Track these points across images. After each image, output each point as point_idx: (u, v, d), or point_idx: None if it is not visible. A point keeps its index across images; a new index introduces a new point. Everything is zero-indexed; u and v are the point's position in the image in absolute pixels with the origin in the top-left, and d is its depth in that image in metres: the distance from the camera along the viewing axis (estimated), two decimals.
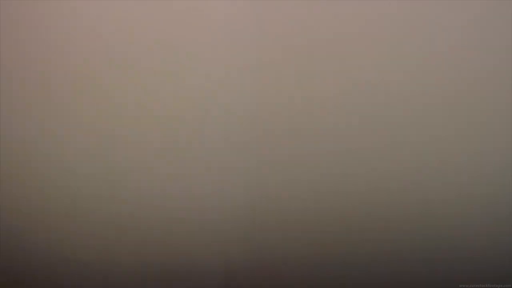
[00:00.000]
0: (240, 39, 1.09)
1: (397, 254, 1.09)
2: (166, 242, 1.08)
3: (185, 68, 1.08)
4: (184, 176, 1.08)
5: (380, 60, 1.09)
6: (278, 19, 1.09)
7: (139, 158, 1.08)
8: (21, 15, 1.07)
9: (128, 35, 1.08)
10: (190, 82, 1.09)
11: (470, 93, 1.09)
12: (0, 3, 1.07)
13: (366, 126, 1.09)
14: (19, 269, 1.07)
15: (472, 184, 1.09)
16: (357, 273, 1.09)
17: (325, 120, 1.09)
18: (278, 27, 1.09)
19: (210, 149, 1.09)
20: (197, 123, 1.09)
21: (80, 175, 1.08)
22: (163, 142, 1.08)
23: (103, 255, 1.07)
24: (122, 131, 1.08)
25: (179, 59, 1.08)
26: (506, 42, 1.09)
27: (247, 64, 1.09)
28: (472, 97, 1.09)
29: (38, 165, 1.08)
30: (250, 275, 1.09)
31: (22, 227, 1.07)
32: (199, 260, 1.09)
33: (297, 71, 1.09)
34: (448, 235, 1.09)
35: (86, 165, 1.08)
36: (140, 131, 1.08)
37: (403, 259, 1.09)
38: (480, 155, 1.09)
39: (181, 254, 1.08)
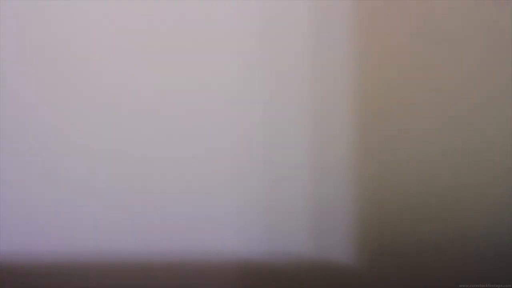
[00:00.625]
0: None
1: (395, 252, 1.09)
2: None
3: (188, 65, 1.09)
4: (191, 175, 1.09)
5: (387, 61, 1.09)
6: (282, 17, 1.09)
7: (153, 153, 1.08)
8: (22, 15, 1.07)
9: (130, 34, 1.08)
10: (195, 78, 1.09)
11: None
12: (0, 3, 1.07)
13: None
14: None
15: (473, 184, 1.09)
16: (356, 271, 1.09)
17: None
18: (282, 25, 1.09)
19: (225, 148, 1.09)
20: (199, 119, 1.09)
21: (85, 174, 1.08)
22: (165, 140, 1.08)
23: (113, 248, 1.07)
24: (126, 129, 1.08)
25: (181, 57, 1.08)
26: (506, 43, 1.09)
27: (249, 63, 1.09)
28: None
29: (38, 165, 1.08)
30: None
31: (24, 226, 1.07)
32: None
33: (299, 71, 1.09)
34: (448, 235, 1.09)
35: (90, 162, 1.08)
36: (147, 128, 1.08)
37: (403, 258, 1.09)
38: (482, 153, 1.10)
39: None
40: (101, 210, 1.08)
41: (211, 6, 1.08)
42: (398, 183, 1.09)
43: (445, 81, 1.10)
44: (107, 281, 1.07)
